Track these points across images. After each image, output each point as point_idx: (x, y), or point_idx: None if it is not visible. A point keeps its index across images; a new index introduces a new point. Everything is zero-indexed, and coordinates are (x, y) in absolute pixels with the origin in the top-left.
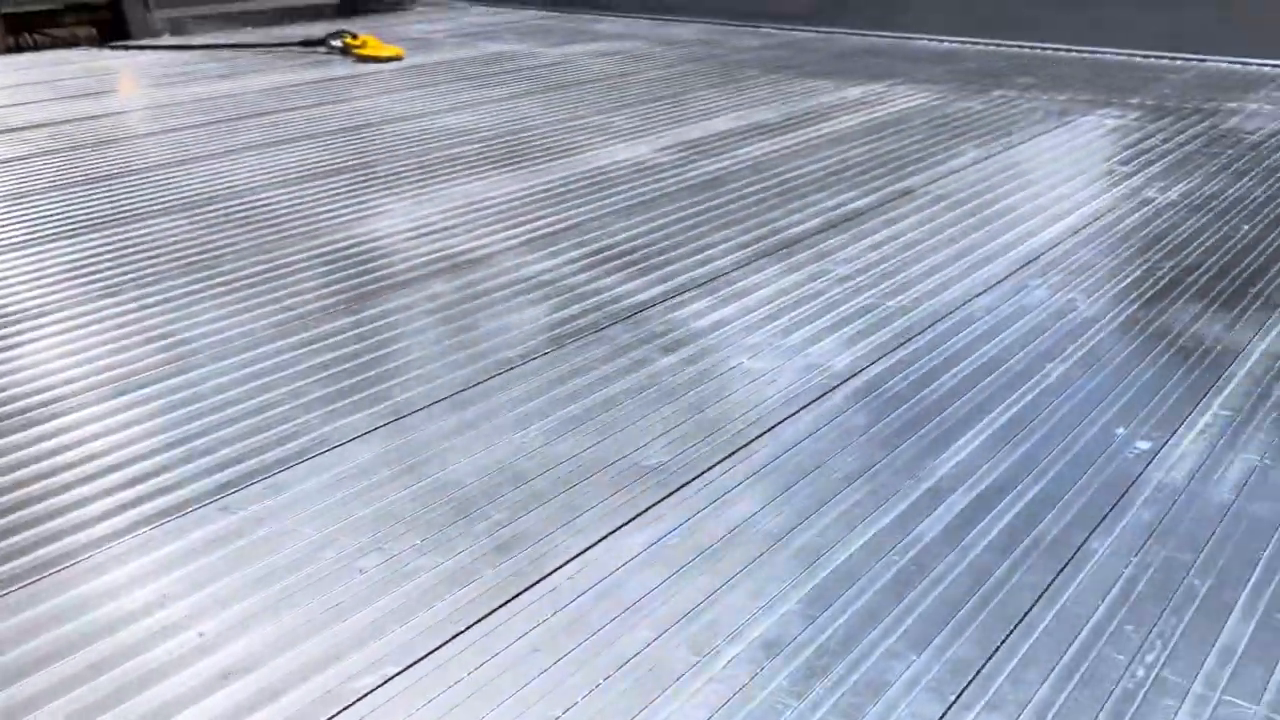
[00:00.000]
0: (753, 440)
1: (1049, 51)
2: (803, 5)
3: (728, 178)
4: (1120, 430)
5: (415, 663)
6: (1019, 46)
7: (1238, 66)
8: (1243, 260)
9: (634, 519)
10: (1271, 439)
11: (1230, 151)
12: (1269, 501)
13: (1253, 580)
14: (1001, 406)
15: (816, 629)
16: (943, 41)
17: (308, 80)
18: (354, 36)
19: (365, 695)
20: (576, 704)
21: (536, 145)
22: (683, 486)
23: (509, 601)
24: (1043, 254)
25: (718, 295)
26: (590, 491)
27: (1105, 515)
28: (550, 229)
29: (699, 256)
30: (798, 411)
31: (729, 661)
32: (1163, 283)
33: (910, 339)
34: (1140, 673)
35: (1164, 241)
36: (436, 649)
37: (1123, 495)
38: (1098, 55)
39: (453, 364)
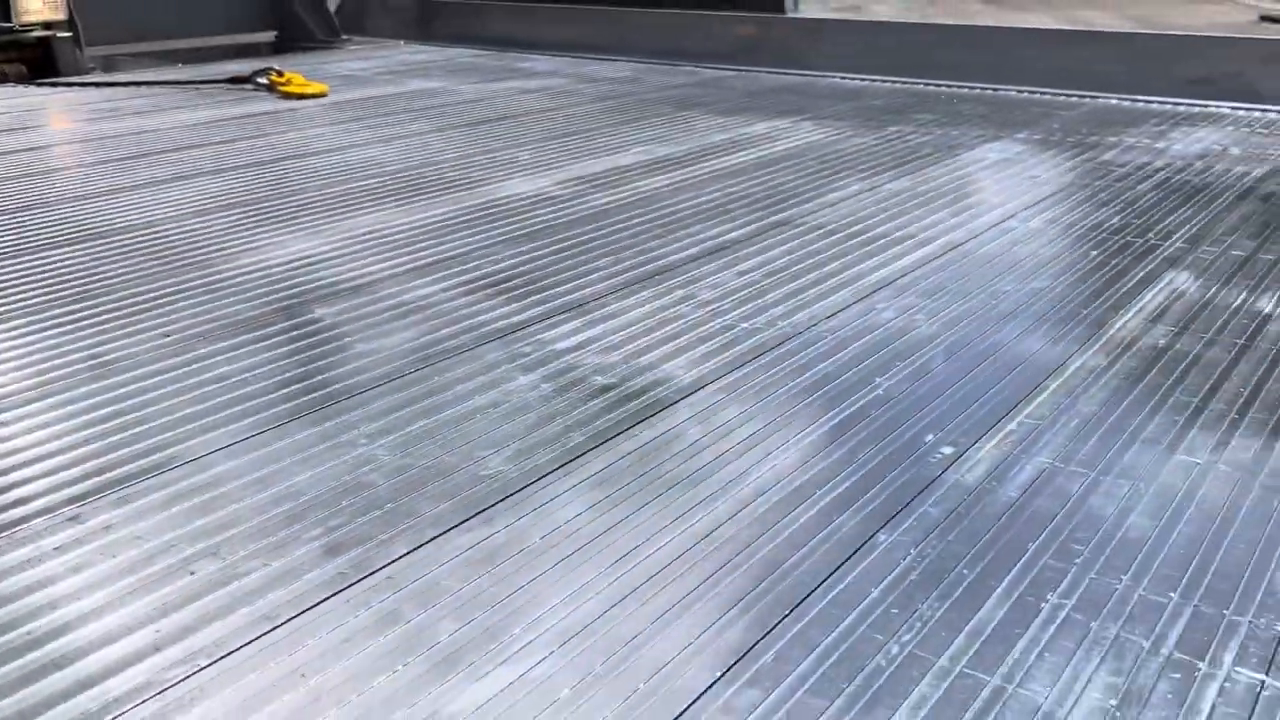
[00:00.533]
0: (588, 450)
1: (954, 89)
2: (726, 45)
3: (617, 210)
4: (930, 437)
5: (228, 654)
6: (925, 84)
7: (1126, 103)
8: (1084, 283)
9: (463, 523)
10: (1066, 444)
11: (1098, 183)
12: (1049, 499)
13: (1016, 568)
14: (827, 416)
15: (610, 619)
16: (856, 80)
17: (230, 116)
18: (279, 73)
19: (176, 683)
20: (373, 687)
21: (440, 179)
22: (516, 493)
23: (328, 598)
24: (897, 279)
25: (586, 318)
26: (427, 499)
27: (897, 512)
28: (437, 257)
29: (576, 283)
30: (637, 425)
31: (524, 646)
32: (1003, 305)
33: (756, 356)
34: (895, 649)
35: (1015, 266)
36: (251, 641)
37: (918, 494)
38: (999, 92)
39: (319, 383)
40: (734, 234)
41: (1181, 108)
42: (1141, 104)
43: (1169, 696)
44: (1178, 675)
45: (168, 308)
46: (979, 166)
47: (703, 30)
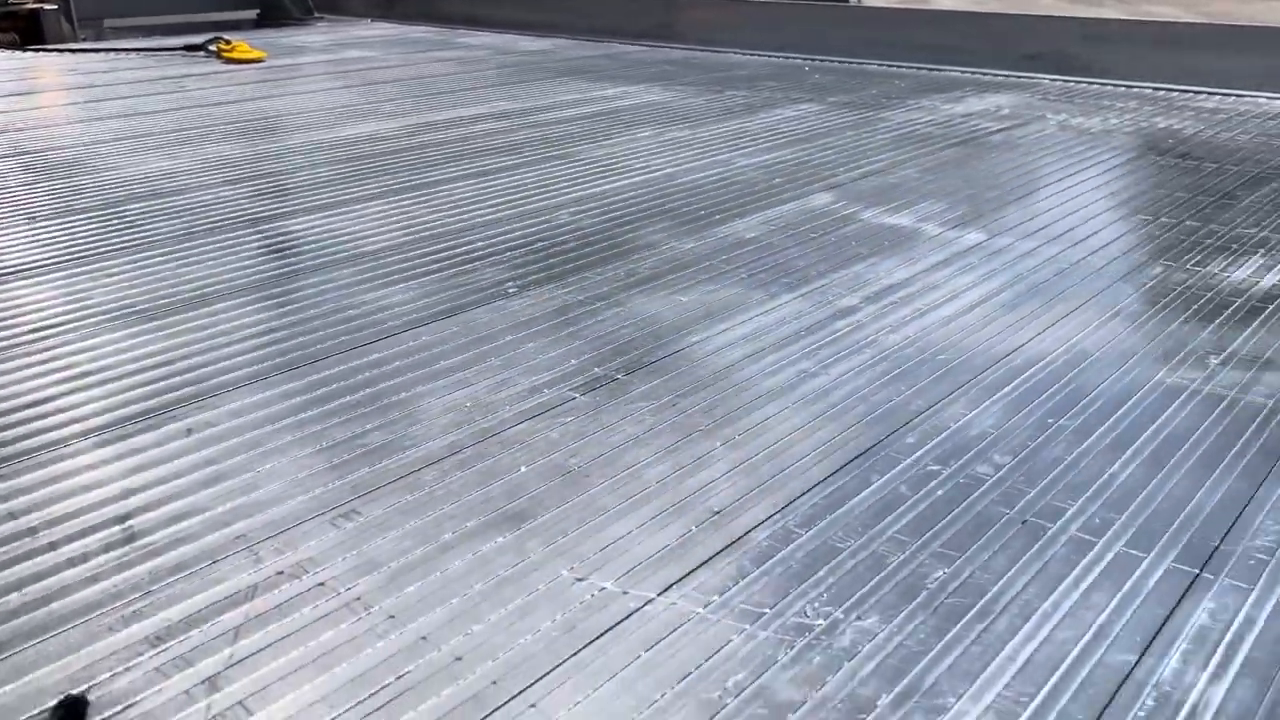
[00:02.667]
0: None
1: (821, 62)
2: (647, 24)
3: (426, 146)
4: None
5: None
6: (803, 59)
7: (955, 73)
8: (735, 197)
9: None
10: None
11: (849, 134)
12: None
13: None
14: (446, 262)
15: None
16: (749, 55)
17: (168, 75)
18: (227, 42)
19: None
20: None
21: (301, 123)
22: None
23: None
24: (592, 195)
25: (331, 213)
26: None
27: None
28: (258, 174)
29: (340, 191)
30: (298, 278)
31: None
32: (664, 206)
33: (463, 233)
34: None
35: (692, 189)
36: None
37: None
38: (861, 65)
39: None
40: (507, 163)
41: (1000, 78)
42: (970, 74)
43: None
44: None
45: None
46: (760, 122)
47: (624, 10)
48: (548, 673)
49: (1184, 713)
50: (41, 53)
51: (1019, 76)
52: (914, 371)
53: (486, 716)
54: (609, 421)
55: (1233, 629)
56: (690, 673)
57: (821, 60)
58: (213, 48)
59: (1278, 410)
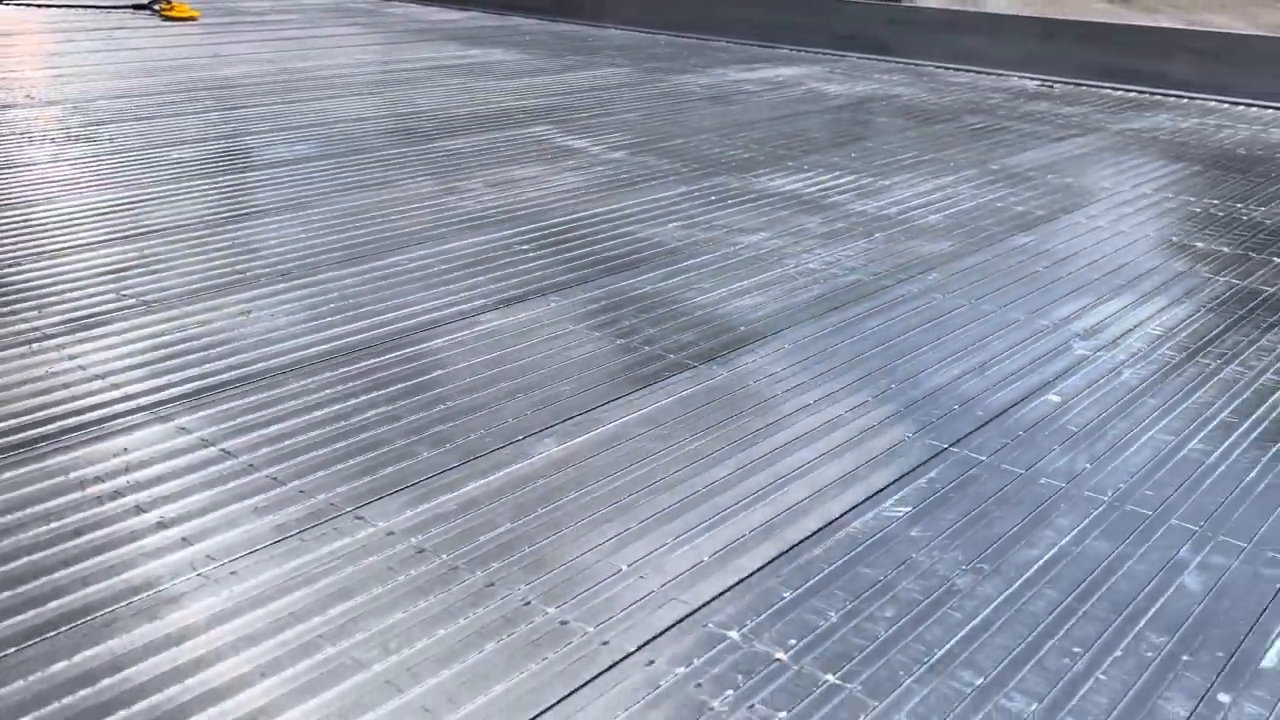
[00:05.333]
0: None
1: (676, 36)
2: (566, 3)
3: (267, 83)
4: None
5: None
6: (671, 35)
7: (770, 49)
8: (481, 123)
9: None
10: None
11: (628, 93)
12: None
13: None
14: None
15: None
16: (628, 30)
17: (102, 28)
18: (168, 2)
19: None
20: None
21: (180, 66)
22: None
23: None
24: (354, 117)
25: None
26: None
27: None
28: (121, 93)
29: (169, 122)
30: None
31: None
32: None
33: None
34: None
35: (452, 118)
36: None
37: None
38: (708, 41)
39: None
40: (342, 95)
41: (810, 54)
42: (785, 51)
43: None
44: None
45: None
46: (563, 79)
47: None
48: None
49: None
50: (5, 5)
51: (830, 54)
52: (499, 225)
53: None
54: None
55: None
56: None
57: (677, 36)
58: (156, 6)
59: None
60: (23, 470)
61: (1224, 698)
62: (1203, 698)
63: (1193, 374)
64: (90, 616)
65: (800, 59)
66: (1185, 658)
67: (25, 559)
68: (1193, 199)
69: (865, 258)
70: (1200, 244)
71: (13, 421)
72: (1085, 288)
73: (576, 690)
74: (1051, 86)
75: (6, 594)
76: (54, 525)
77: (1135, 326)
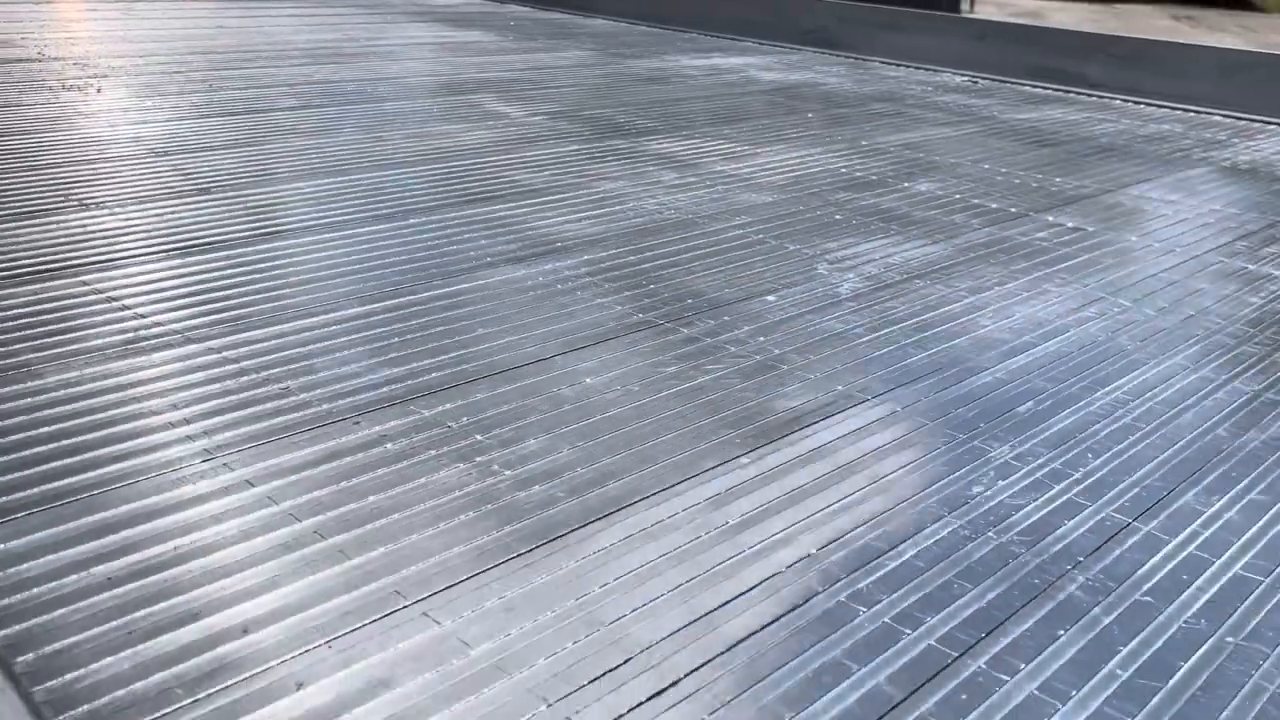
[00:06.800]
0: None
1: (650, 27)
2: None
3: (242, 50)
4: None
5: None
6: (649, 25)
7: (731, 40)
8: (430, 91)
9: None
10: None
11: (585, 73)
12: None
13: None
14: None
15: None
16: (612, 20)
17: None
18: None
19: None
20: None
21: (150, 37)
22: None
23: None
24: (307, 82)
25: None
26: None
27: None
28: (53, 59)
29: (185, 92)
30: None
31: None
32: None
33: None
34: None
35: (409, 87)
36: None
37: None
38: (675, 31)
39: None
40: (312, 69)
41: (768, 47)
42: (748, 43)
43: None
44: None
45: None
46: (524, 59)
47: None
48: None
49: None
50: None
51: (788, 47)
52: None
53: None
54: None
55: None
56: None
57: (655, 26)
58: None
59: None
60: None
61: None
62: None
63: (890, 294)
64: None
65: (756, 50)
66: None
67: None
68: (1010, 170)
69: (697, 203)
70: (977, 201)
71: None
72: (865, 232)
73: None
74: (976, 82)
75: None
76: None
77: (874, 260)
